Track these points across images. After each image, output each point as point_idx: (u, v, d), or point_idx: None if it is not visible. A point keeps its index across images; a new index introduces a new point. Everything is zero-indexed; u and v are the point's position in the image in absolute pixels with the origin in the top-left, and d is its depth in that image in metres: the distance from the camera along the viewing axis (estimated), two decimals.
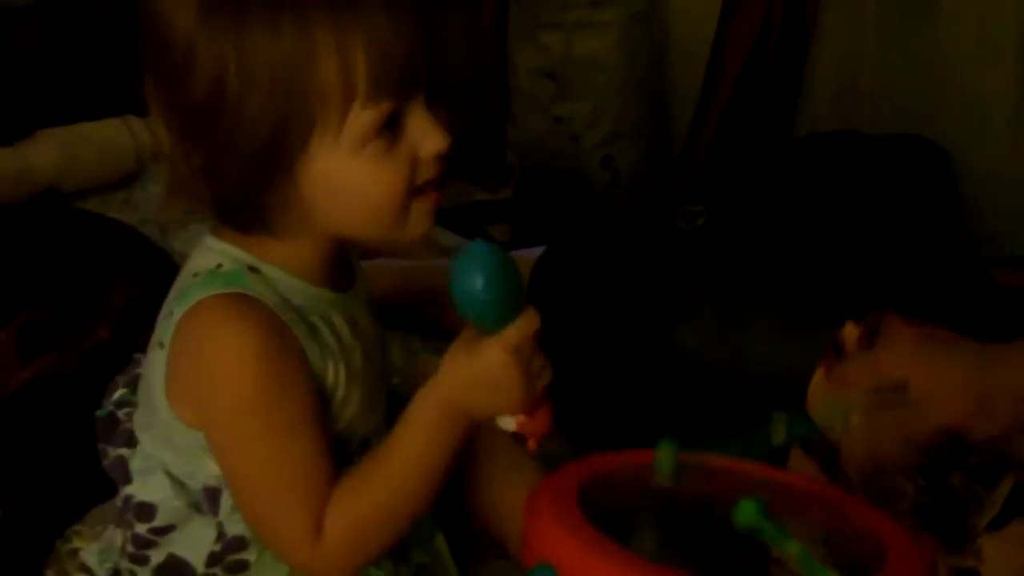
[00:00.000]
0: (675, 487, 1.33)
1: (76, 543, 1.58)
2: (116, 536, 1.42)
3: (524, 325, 1.26)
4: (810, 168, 2.80)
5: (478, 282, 1.22)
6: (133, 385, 1.43)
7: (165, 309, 1.33)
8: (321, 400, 1.31)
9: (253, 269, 1.29)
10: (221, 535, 1.34)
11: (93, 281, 1.84)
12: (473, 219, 3.11)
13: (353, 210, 1.27)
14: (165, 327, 1.30)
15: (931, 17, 2.80)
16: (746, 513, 1.19)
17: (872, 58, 2.93)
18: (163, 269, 1.87)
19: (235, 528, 1.34)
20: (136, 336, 1.47)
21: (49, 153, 2.48)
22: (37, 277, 1.85)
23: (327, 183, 1.24)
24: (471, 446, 1.42)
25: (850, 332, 1.48)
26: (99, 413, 1.43)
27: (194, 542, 1.35)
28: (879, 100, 2.93)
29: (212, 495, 1.34)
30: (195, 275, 1.30)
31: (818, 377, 1.48)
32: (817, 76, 3.03)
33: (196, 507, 1.35)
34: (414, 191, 1.26)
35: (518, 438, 1.33)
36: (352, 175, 1.24)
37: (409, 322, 2.05)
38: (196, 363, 1.28)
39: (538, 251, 2.01)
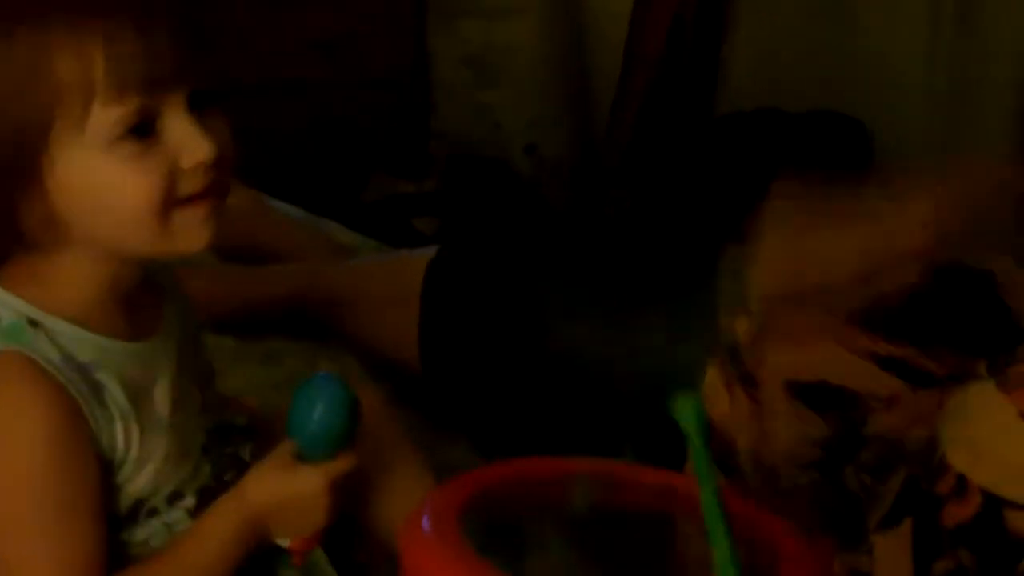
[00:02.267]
0: (568, 499, 1.30)
1: None
2: None
3: (348, 462, 1.28)
4: (731, 146, 2.78)
5: (315, 412, 1.25)
6: None
7: None
8: (102, 474, 1.23)
9: (33, 323, 1.21)
10: None
11: None
12: (398, 212, 3.08)
13: (108, 218, 1.19)
14: None
15: None
16: (684, 409, 1.17)
17: (790, 33, 2.91)
18: None
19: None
20: None
21: None
22: None
23: (76, 186, 1.18)
24: (367, 460, 1.40)
25: (742, 327, 1.45)
26: None
27: None
28: (799, 76, 2.91)
29: None
30: None
31: (711, 375, 1.47)
32: (736, 54, 3.01)
33: None
34: (174, 201, 1.19)
35: (287, 552, 1.34)
36: (101, 178, 1.17)
37: (306, 327, 2.02)
38: None
39: (431, 251, 1.99)
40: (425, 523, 1.20)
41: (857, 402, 1.40)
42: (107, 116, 1.16)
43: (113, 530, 1.26)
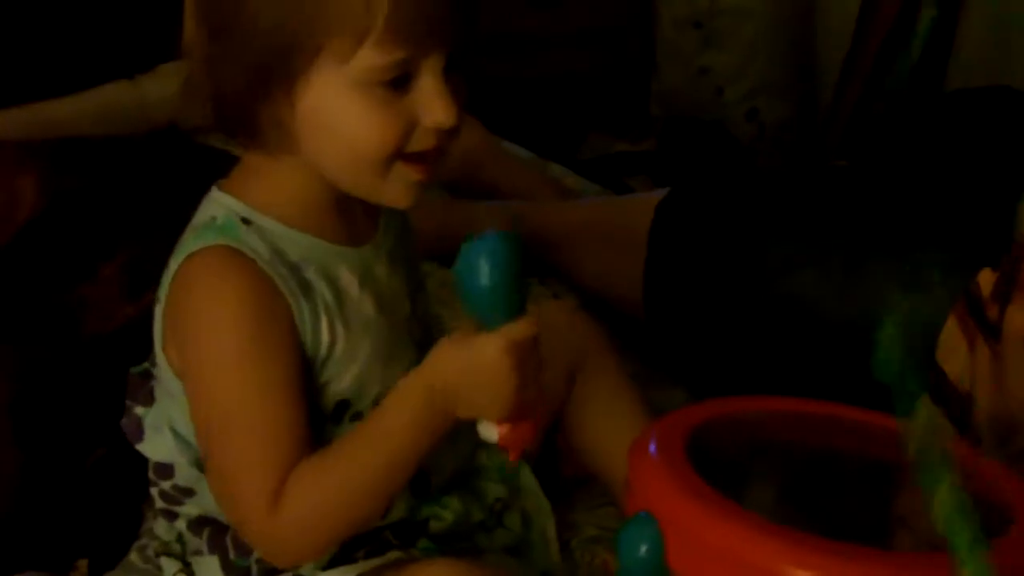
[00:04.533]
0: (792, 436, 1.28)
1: None
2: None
3: (527, 326, 1.22)
4: (958, 124, 2.71)
5: (484, 267, 1.19)
6: None
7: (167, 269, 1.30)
8: (304, 365, 1.27)
9: (247, 221, 1.26)
10: None
11: None
12: (612, 170, 3.08)
13: (335, 150, 1.23)
14: (163, 281, 1.29)
15: None
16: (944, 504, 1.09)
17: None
18: None
19: None
20: None
21: (169, 87, 2.46)
22: (148, 212, 1.85)
23: (319, 114, 1.21)
24: (574, 385, 1.39)
25: (985, 280, 1.41)
26: (134, 369, 1.40)
27: (208, 500, 1.34)
28: None
29: None
30: (193, 228, 1.29)
31: (950, 326, 1.43)
32: (969, 29, 2.94)
33: (199, 466, 1.33)
34: (401, 153, 1.23)
35: (499, 449, 1.29)
36: (344, 115, 1.21)
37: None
38: (183, 314, 1.26)
39: (659, 193, 1.97)
40: (652, 448, 1.19)
41: None
42: (372, 60, 1.19)
43: (318, 428, 1.28)
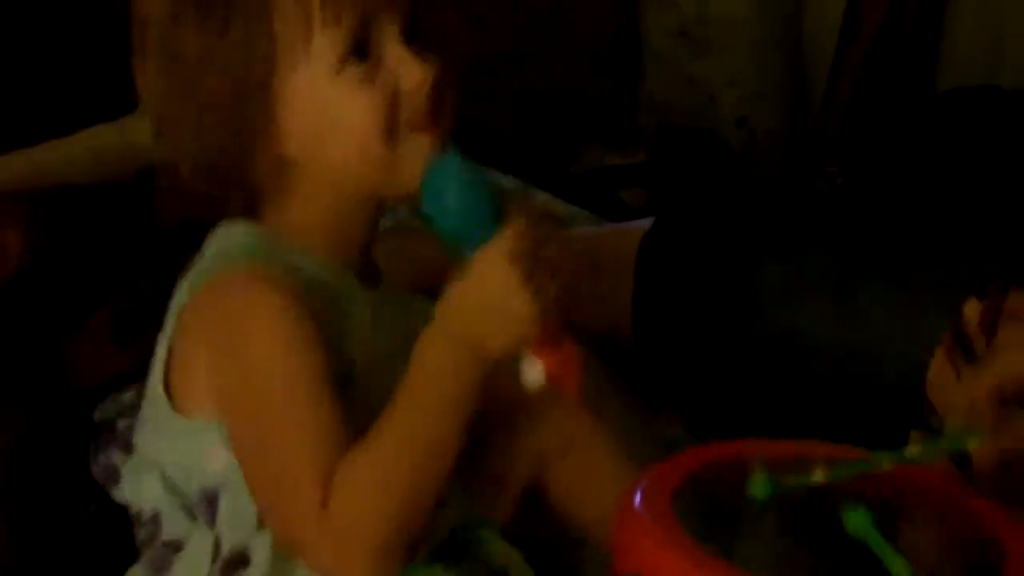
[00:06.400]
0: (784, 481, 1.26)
1: None
2: None
3: (512, 230, 1.19)
4: (950, 126, 2.71)
5: (450, 187, 1.20)
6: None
7: (180, 285, 1.30)
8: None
9: (265, 247, 1.28)
10: (218, 551, 1.26)
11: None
12: (606, 184, 3.07)
13: (336, 145, 1.26)
14: (170, 314, 1.29)
15: None
16: (855, 521, 1.13)
17: (1015, 11, 2.83)
18: None
19: (234, 538, 1.25)
20: None
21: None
22: (132, 261, 1.84)
23: (306, 113, 1.25)
24: (558, 436, 1.41)
25: (971, 311, 1.40)
26: (98, 415, 1.39)
27: (195, 561, 1.28)
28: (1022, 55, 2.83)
29: (210, 500, 1.27)
30: (207, 258, 1.29)
31: (939, 361, 1.41)
32: (958, 29, 2.93)
33: (189, 514, 1.29)
34: (399, 124, 1.25)
35: (553, 391, 1.24)
36: (329, 101, 1.24)
37: None
38: (215, 334, 1.25)
39: (645, 223, 1.96)
40: (638, 503, 1.18)
41: None
42: (328, 38, 1.23)
43: None
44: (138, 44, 1.32)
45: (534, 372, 1.22)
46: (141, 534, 1.35)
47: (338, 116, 1.24)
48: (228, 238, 1.29)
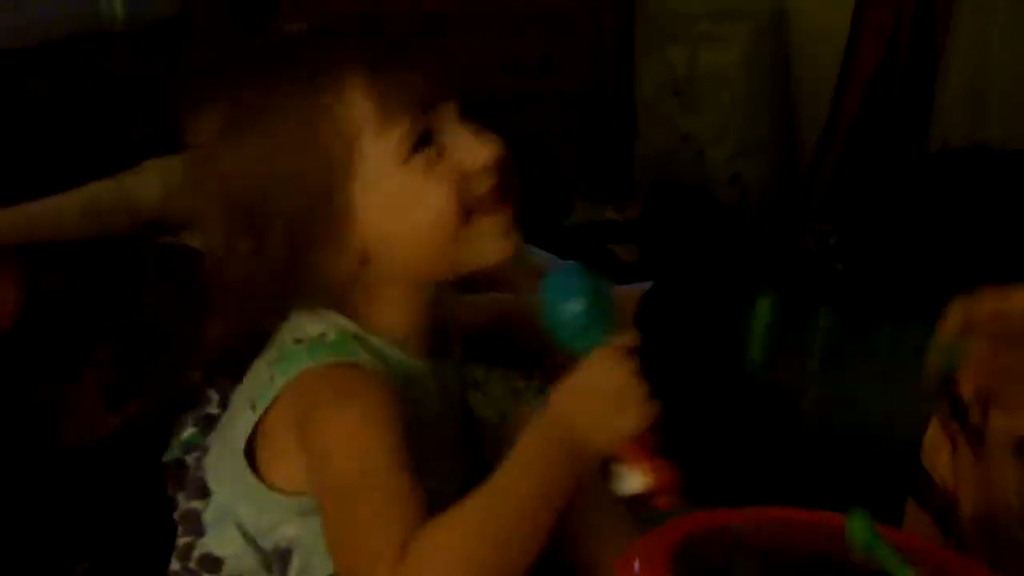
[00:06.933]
0: (779, 547, 1.27)
1: None
2: None
3: (625, 337, 1.22)
4: (940, 186, 2.72)
5: (574, 294, 1.21)
6: (202, 426, 1.42)
7: (261, 369, 1.30)
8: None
9: (358, 339, 1.28)
10: None
11: (190, 320, 1.83)
12: (599, 238, 3.08)
13: (413, 234, 1.26)
14: (260, 390, 1.29)
15: None
16: (858, 529, 1.15)
17: (1002, 70, 2.85)
18: None
19: None
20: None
21: (153, 184, 2.45)
22: (129, 315, 1.84)
23: (381, 207, 1.24)
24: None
25: (964, 377, 1.41)
26: (166, 458, 1.41)
27: None
28: (1009, 113, 2.85)
29: (283, 557, 1.30)
30: (298, 341, 1.28)
31: (933, 428, 1.42)
32: (948, 89, 2.95)
33: (266, 566, 1.32)
34: (472, 205, 1.25)
35: (644, 498, 1.25)
36: (402, 193, 1.24)
37: (509, 358, 2.01)
38: (310, 428, 1.25)
39: (642, 286, 1.96)
40: (636, 567, 1.18)
41: None
42: (388, 139, 1.23)
43: None
44: (193, 174, 1.33)
45: (634, 480, 1.23)
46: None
47: (413, 205, 1.25)
48: (320, 325, 1.29)
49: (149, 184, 2.44)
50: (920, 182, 2.77)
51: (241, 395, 1.33)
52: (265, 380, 1.29)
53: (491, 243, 1.27)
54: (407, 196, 1.24)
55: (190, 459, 1.40)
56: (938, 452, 1.42)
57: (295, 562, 1.30)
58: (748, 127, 3.19)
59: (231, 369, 1.39)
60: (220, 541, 1.34)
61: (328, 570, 1.28)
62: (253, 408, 1.29)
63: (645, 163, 3.32)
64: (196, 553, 1.35)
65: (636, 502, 1.26)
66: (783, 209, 3.24)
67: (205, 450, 1.39)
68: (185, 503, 1.38)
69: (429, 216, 1.24)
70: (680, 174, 3.23)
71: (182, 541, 1.37)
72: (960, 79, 2.94)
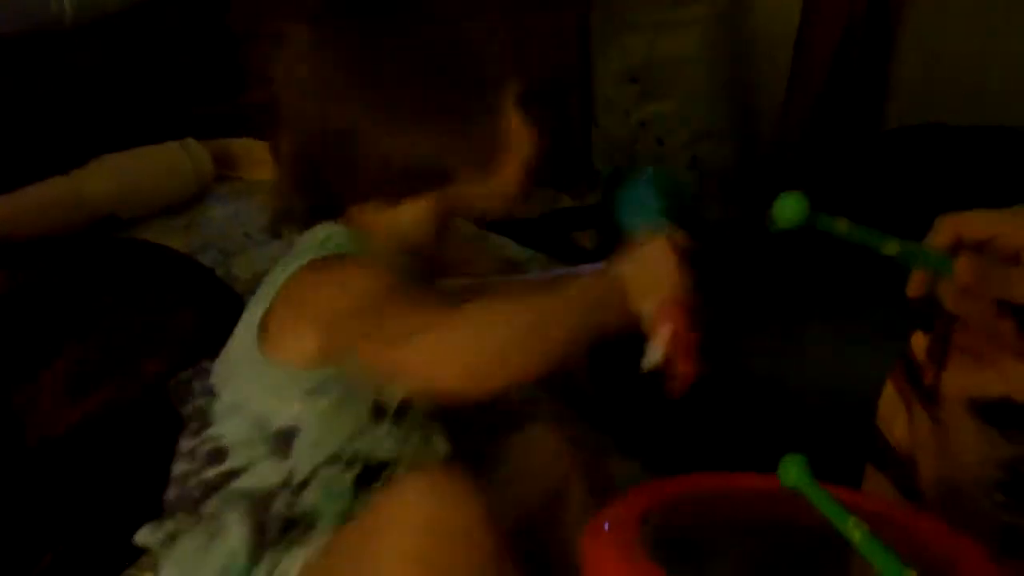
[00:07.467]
0: (747, 513, 1.27)
1: None
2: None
3: (679, 234, 1.40)
4: (897, 163, 2.73)
5: (651, 193, 1.47)
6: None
7: (275, 271, 1.44)
8: None
9: (361, 243, 1.43)
10: (287, 479, 1.42)
11: (147, 313, 1.82)
12: (560, 226, 3.08)
13: (511, 171, 1.47)
14: (270, 287, 1.43)
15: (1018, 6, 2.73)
16: (791, 473, 1.19)
17: (959, 42, 2.86)
18: (221, 299, 1.84)
19: (304, 469, 1.42)
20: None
21: (105, 180, 2.45)
22: (86, 311, 1.84)
23: (511, 133, 1.47)
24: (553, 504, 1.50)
25: (918, 343, 1.41)
26: (180, 378, 1.51)
27: (258, 478, 1.42)
28: (968, 87, 2.86)
29: (288, 435, 1.42)
30: (307, 244, 1.43)
31: (888, 392, 1.42)
32: (903, 69, 2.96)
33: (270, 449, 1.42)
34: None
35: (664, 374, 1.37)
36: (519, 131, 1.47)
37: None
38: (317, 293, 1.39)
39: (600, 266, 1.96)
40: (606, 528, 1.19)
41: None
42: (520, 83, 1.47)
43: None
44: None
45: (655, 352, 1.36)
46: (198, 471, 1.45)
47: (517, 146, 1.46)
48: (327, 232, 1.44)
49: (102, 179, 2.43)
50: (877, 159, 2.78)
51: (254, 299, 1.46)
52: (276, 274, 1.43)
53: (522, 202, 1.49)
54: (520, 136, 1.46)
55: (196, 382, 1.50)
56: (894, 415, 1.42)
57: (299, 440, 1.42)
58: (707, 110, 3.19)
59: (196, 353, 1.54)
60: (225, 428, 1.45)
61: (331, 449, 1.43)
62: (265, 299, 1.42)
63: (604, 151, 3.32)
64: (202, 449, 1.45)
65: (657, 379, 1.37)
66: (743, 192, 3.25)
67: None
68: (192, 404, 1.48)
69: (523, 155, 1.47)
70: (639, 161, 3.23)
71: (187, 444, 1.47)
72: (915, 62, 2.95)
